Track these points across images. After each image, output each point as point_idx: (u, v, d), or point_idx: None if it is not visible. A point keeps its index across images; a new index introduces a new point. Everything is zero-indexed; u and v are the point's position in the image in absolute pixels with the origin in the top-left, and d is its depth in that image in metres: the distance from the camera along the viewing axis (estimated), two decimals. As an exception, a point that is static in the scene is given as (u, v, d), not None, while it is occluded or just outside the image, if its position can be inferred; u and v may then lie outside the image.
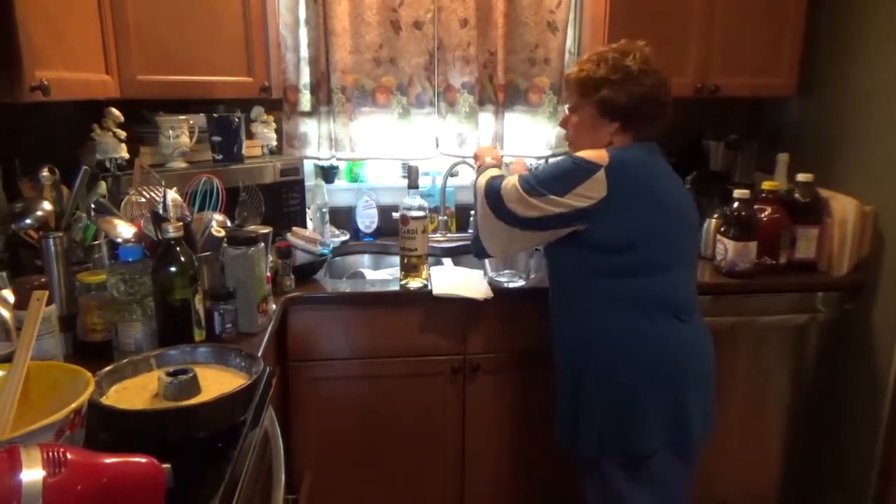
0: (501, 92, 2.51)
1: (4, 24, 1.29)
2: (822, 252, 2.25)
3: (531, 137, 2.62)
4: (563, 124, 1.75)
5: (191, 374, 1.15)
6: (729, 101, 2.48)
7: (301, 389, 2.05)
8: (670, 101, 1.63)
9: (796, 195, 2.24)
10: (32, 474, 0.63)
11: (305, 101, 2.49)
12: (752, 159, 2.62)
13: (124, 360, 1.23)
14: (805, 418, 2.33)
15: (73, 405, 0.89)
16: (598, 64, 1.60)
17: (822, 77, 2.42)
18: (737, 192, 2.18)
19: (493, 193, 1.63)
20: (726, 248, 2.16)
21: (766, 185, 2.23)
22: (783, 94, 2.47)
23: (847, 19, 2.31)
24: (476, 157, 1.94)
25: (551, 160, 1.58)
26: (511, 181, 1.60)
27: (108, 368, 1.18)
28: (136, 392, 1.18)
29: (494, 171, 1.75)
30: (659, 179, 1.61)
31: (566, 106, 1.74)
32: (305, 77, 2.47)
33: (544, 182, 1.56)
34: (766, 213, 2.19)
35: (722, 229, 2.20)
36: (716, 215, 2.33)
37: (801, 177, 2.24)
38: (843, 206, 2.19)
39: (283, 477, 1.38)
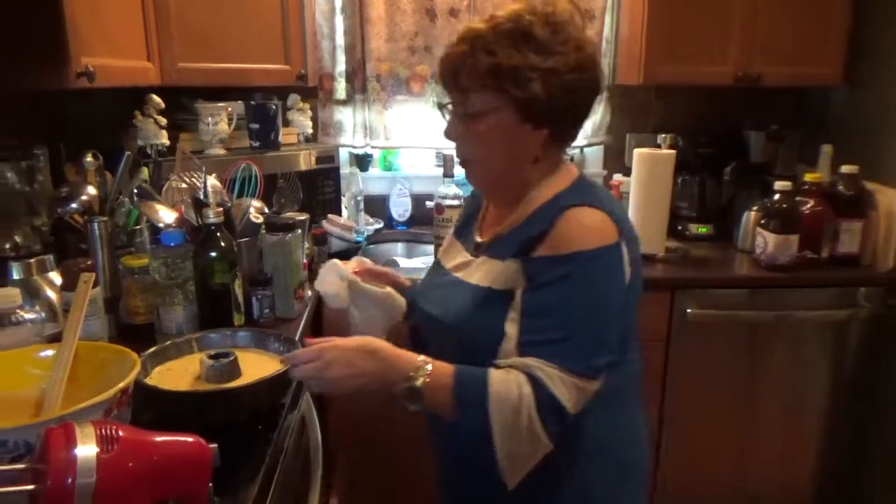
0: (537, 80, 2.49)
1: (52, 11, 1.31)
2: (866, 246, 2.19)
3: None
4: (452, 135, 1.10)
5: (232, 358, 1.17)
6: (770, 90, 2.42)
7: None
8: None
9: (840, 187, 2.19)
10: (87, 450, 0.65)
11: (341, 89, 2.50)
12: (793, 150, 2.56)
13: (167, 343, 1.26)
14: (844, 415, 2.28)
15: (121, 384, 0.91)
16: (515, 41, 1.01)
17: (870, 66, 2.34)
18: (778, 184, 2.13)
19: (551, 414, 0.94)
20: (766, 242, 2.12)
21: (808, 177, 2.18)
22: (829, 84, 2.40)
23: (897, 6, 2.24)
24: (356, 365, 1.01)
25: (555, 288, 0.99)
26: (560, 380, 0.94)
27: (151, 350, 1.21)
28: (178, 373, 1.20)
29: (503, 377, 0.96)
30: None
31: (446, 105, 1.10)
32: (341, 65, 2.48)
33: (599, 333, 0.99)
34: (809, 205, 2.15)
35: (762, 222, 2.16)
36: (755, 208, 2.29)
37: (845, 168, 2.18)
38: (890, 199, 2.13)
39: (321, 459, 1.39)
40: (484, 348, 1.02)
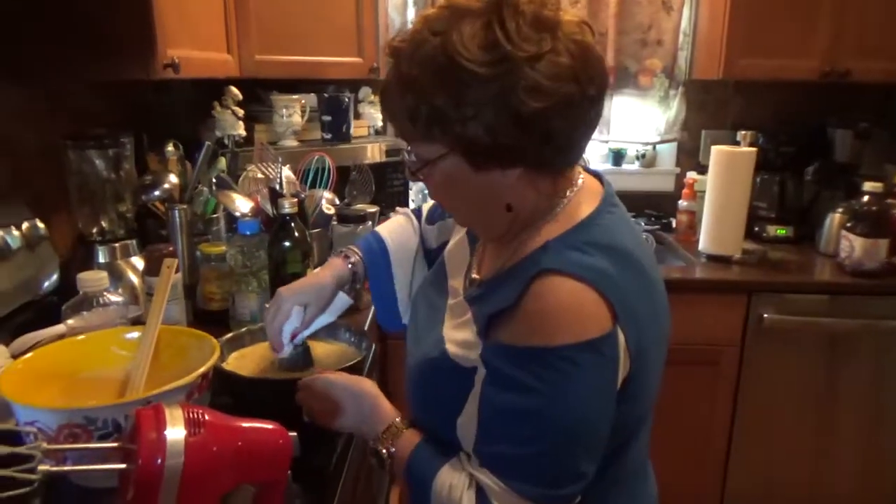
0: (611, 74, 2.44)
1: (141, 4, 1.35)
2: (964, 253, 2.05)
3: (639, 122, 2.53)
4: (416, 177, 0.85)
5: (305, 347, 1.18)
6: (857, 85, 2.29)
7: (398, 367, 2.08)
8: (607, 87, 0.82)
9: (935, 190, 2.06)
10: (176, 432, 0.66)
11: (410, 82, 2.50)
12: (881, 150, 2.42)
13: (242, 329, 1.28)
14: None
15: (203, 368, 0.93)
16: (436, 65, 0.74)
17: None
18: (868, 185, 2.02)
19: None
20: (852, 246, 2.02)
21: (900, 178, 2.06)
22: (924, 80, 2.26)
23: None
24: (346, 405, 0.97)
25: (513, 392, 0.76)
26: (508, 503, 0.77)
27: (227, 336, 1.23)
28: (252, 360, 1.22)
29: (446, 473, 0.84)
30: (654, 285, 0.86)
31: (405, 151, 0.87)
32: (411, 58, 2.48)
33: (564, 458, 0.77)
34: (900, 208, 2.03)
35: (848, 225, 2.06)
36: (840, 209, 2.18)
37: (940, 170, 2.05)
38: None
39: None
40: (441, 409, 0.87)
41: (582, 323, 0.73)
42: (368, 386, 0.96)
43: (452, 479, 0.81)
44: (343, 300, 1.14)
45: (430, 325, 0.95)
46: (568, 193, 0.84)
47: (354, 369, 1.18)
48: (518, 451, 0.76)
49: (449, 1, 0.77)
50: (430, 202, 1.27)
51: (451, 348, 0.86)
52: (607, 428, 0.78)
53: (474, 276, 0.94)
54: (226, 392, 1.11)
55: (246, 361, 1.21)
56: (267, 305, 1.15)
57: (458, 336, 0.87)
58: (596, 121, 0.81)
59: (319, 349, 1.24)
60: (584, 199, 0.85)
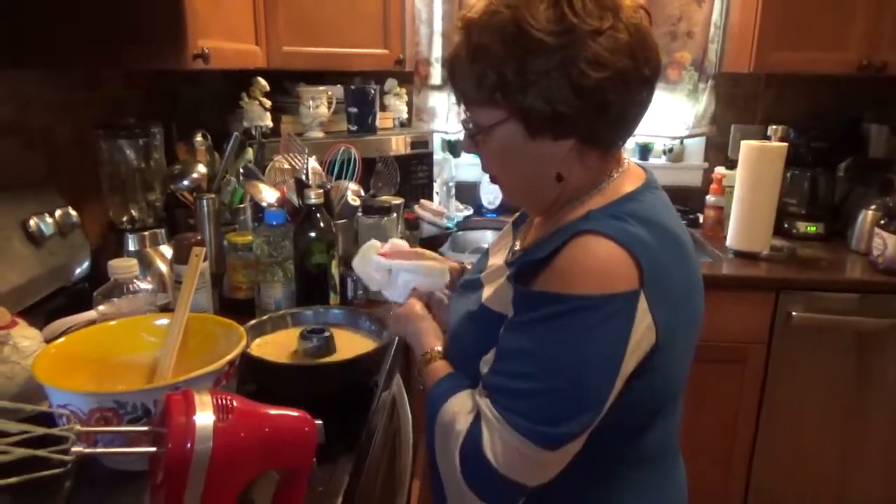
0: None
1: (173, -6, 1.36)
2: None
3: (668, 116, 2.49)
4: (469, 150, 0.94)
5: (328, 335, 1.19)
6: (894, 80, 2.24)
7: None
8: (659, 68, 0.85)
9: (972, 188, 2.00)
10: (205, 417, 0.67)
11: (436, 74, 2.50)
12: (918, 146, 2.36)
13: (265, 317, 1.29)
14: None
15: (230, 356, 0.94)
16: (504, 33, 0.79)
17: None
18: (903, 182, 1.97)
19: (473, 464, 0.81)
20: (886, 244, 1.98)
21: (937, 175, 2.01)
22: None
23: None
24: (399, 320, 1.10)
25: (535, 332, 0.80)
26: (499, 436, 0.78)
27: (250, 323, 1.24)
28: (274, 347, 1.23)
29: (448, 379, 0.93)
30: (691, 264, 0.89)
31: (461, 117, 0.95)
32: (437, 51, 2.48)
33: (571, 399, 0.78)
34: (936, 206, 1.98)
35: (882, 222, 2.01)
36: (873, 207, 2.14)
37: (979, 167, 1.99)
38: None
39: (412, 439, 1.40)
40: (473, 359, 0.90)
41: (608, 278, 0.77)
42: (416, 309, 1.07)
43: (459, 406, 0.86)
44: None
45: (469, 294, 1.00)
46: (613, 174, 0.89)
47: (378, 356, 1.18)
48: (517, 386, 0.79)
49: None
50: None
51: (486, 299, 0.93)
52: (611, 382, 0.77)
53: (516, 248, 1.00)
54: (252, 380, 1.12)
55: (268, 349, 1.22)
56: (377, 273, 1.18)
57: (493, 289, 0.93)
58: (647, 104, 0.86)
59: (340, 338, 1.24)
60: (627, 179, 0.89)
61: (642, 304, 0.77)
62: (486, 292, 0.95)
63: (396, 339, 1.32)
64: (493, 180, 0.95)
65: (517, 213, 1.12)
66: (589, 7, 0.78)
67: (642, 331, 0.78)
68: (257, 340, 1.24)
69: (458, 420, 0.84)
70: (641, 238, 0.79)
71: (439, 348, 0.98)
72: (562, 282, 0.78)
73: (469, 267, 1.17)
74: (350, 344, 1.24)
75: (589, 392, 0.77)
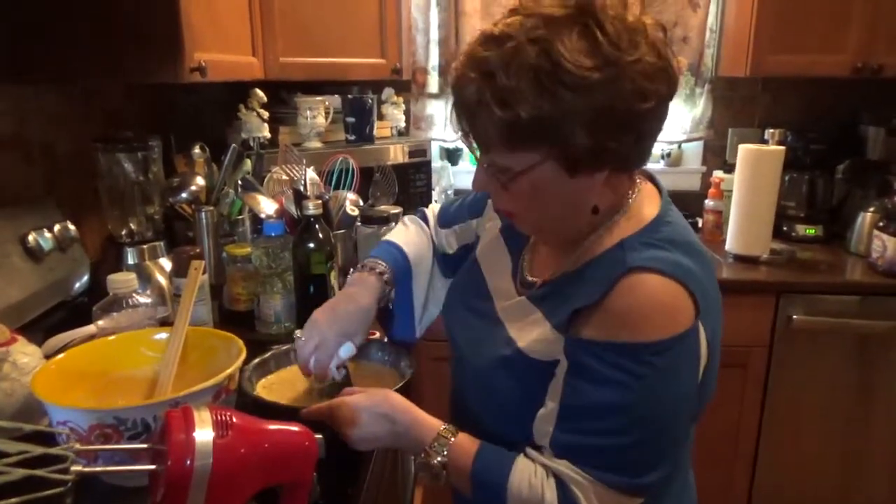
0: (635, 73, 2.41)
1: (169, 8, 1.37)
2: None
3: (666, 120, 2.49)
4: (483, 188, 0.87)
5: (345, 373, 1.09)
6: (891, 82, 2.24)
7: (427, 367, 2.08)
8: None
9: (972, 188, 2.01)
10: (204, 434, 0.67)
11: (433, 82, 2.50)
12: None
13: (267, 355, 1.18)
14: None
15: (229, 370, 0.94)
16: (538, 74, 0.73)
17: None
18: (901, 184, 1.98)
19: None
20: (885, 246, 1.98)
21: (935, 176, 2.01)
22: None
23: None
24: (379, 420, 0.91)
25: (607, 386, 0.78)
26: (596, 497, 0.78)
27: (253, 363, 1.13)
28: (281, 387, 1.13)
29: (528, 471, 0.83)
30: (714, 278, 0.88)
31: (479, 158, 0.85)
32: (434, 59, 2.49)
33: (655, 447, 0.80)
34: (935, 207, 1.98)
35: (881, 224, 2.01)
36: (872, 209, 2.14)
37: (978, 168, 2.00)
38: None
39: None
40: (515, 409, 0.87)
41: (673, 317, 0.76)
42: (397, 401, 0.92)
43: (530, 475, 0.82)
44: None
45: (488, 329, 0.95)
46: (631, 194, 0.87)
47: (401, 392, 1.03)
48: (605, 442, 0.78)
49: (528, 9, 0.76)
50: (436, 205, 1.25)
51: (526, 346, 0.87)
52: (690, 417, 0.81)
53: (530, 277, 0.95)
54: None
55: (276, 389, 1.13)
56: (299, 335, 1.07)
57: (532, 334, 0.88)
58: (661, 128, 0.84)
59: (353, 370, 1.14)
60: (644, 198, 0.88)
61: (701, 333, 0.79)
62: (515, 333, 0.90)
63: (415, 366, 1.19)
64: (509, 216, 0.88)
65: (504, 222, 1.04)
66: (620, 31, 0.73)
67: (701, 354, 0.80)
68: (262, 381, 1.15)
69: (540, 489, 0.80)
70: (688, 267, 0.79)
71: (444, 426, 0.89)
72: (629, 329, 0.76)
73: None
74: (364, 377, 1.14)
75: (678, 433, 0.81)
